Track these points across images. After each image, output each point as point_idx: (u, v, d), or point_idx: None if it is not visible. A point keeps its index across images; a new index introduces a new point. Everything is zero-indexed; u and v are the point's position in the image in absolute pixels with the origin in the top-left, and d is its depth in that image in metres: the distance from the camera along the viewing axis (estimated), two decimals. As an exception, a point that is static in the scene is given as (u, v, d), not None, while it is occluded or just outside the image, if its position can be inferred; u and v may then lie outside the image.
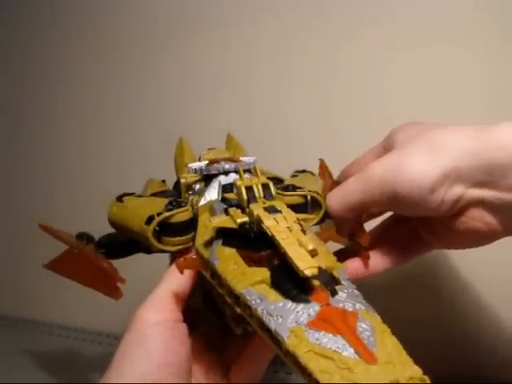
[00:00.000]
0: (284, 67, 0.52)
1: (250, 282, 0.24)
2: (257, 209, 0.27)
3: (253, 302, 0.23)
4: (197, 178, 0.33)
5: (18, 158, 0.70)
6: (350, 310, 0.22)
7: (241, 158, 0.34)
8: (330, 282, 0.24)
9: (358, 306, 0.22)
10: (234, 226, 0.27)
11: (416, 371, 0.19)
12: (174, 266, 0.28)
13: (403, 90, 0.47)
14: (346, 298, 0.23)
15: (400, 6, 0.46)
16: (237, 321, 0.30)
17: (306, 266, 0.22)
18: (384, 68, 0.47)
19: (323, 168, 0.37)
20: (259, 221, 0.26)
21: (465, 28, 0.44)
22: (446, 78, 0.45)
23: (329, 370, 0.19)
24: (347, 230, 0.32)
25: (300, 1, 0.50)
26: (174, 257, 0.31)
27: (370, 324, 0.21)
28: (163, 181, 0.39)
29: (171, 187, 0.37)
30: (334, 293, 0.23)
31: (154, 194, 0.35)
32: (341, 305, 0.22)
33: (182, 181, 0.33)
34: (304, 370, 0.20)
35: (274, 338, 0.22)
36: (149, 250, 0.33)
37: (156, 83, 0.59)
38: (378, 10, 0.47)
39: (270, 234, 0.25)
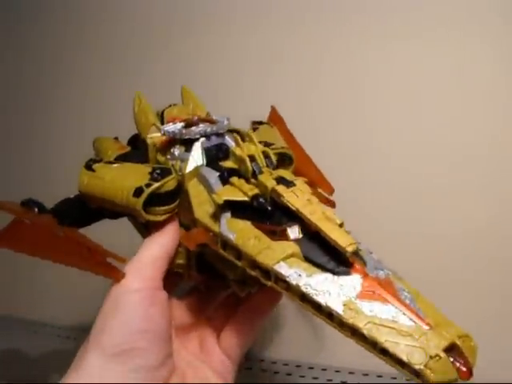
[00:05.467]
0: (281, 68, 0.52)
1: (280, 256, 0.24)
2: (267, 181, 0.26)
3: (291, 277, 0.23)
4: (165, 139, 0.31)
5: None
6: (383, 277, 0.23)
7: (214, 117, 0.32)
8: (357, 252, 0.24)
9: (386, 271, 0.24)
10: (245, 198, 0.26)
11: (459, 329, 0.22)
12: (157, 233, 0.28)
13: (406, 89, 0.46)
14: (374, 265, 0.24)
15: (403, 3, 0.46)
16: (241, 284, 0.30)
17: (347, 243, 0.23)
18: (388, 65, 0.47)
19: (275, 117, 0.36)
20: (277, 194, 0.26)
21: (468, 23, 0.44)
22: (450, 76, 0.45)
23: (394, 339, 0.21)
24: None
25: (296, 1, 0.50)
26: (147, 225, 0.30)
27: (405, 289, 0.23)
28: (116, 138, 0.36)
29: (125, 143, 0.36)
30: (365, 263, 0.24)
31: (119, 158, 0.32)
32: (374, 273, 0.24)
33: (149, 141, 0.31)
34: (366, 340, 0.21)
35: (324, 312, 0.23)
36: (115, 215, 0.32)
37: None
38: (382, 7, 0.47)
39: (294, 209, 0.25)
